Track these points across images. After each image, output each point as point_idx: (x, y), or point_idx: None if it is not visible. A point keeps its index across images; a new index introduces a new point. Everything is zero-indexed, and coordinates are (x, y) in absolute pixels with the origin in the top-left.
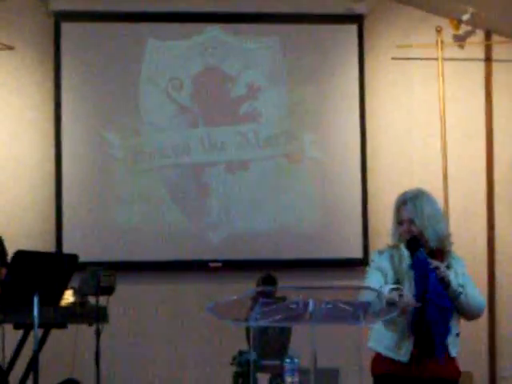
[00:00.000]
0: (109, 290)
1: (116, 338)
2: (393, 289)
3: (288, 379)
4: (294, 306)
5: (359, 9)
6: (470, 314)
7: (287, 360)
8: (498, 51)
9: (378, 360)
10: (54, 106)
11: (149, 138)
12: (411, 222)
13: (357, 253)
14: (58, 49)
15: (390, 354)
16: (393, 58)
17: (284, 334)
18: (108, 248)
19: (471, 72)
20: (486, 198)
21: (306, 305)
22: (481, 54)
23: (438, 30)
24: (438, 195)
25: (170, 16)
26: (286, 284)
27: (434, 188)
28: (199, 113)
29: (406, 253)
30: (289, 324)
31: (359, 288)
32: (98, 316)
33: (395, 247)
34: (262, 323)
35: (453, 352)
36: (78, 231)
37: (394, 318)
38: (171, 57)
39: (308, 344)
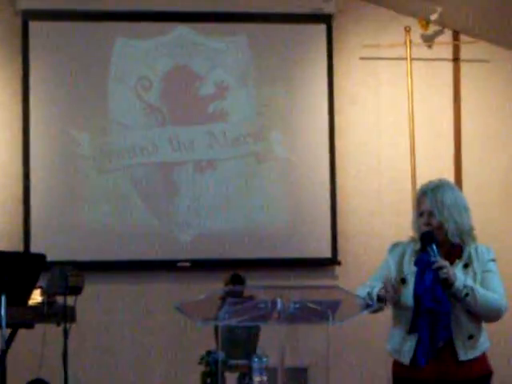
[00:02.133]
0: (77, 290)
1: (84, 337)
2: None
3: (256, 378)
4: (262, 306)
5: (328, 8)
6: (483, 316)
7: (255, 359)
8: (466, 51)
9: (394, 364)
10: (21, 105)
11: (117, 137)
12: (431, 214)
13: (325, 252)
14: (26, 48)
15: (395, 356)
16: (361, 58)
17: (252, 333)
18: (76, 248)
19: (439, 72)
20: None
21: (274, 304)
22: (449, 54)
23: (407, 30)
24: (406, 195)
25: (138, 15)
26: (255, 283)
27: (402, 187)
28: (167, 112)
29: (417, 247)
30: (257, 324)
31: (327, 287)
32: (66, 316)
33: (414, 241)
34: (230, 323)
35: (462, 355)
36: (45, 231)
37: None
38: (139, 56)
39: (276, 343)
